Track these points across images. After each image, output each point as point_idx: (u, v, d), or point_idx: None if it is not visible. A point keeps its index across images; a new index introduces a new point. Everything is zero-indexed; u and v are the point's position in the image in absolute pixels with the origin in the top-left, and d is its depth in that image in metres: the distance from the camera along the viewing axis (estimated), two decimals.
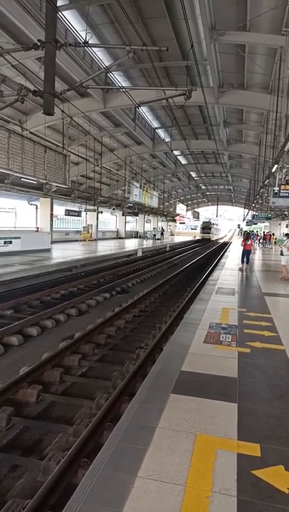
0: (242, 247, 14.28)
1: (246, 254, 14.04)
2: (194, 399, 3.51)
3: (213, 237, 60.87)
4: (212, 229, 57.77)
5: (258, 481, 2.42)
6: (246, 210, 46.85)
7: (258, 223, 41.93)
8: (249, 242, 14.20)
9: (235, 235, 78.85)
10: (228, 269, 14.48)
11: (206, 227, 57.18)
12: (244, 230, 47.42)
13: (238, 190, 50.75)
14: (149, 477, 2.43)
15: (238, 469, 2.53)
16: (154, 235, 43.27)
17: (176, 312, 8.74)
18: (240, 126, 21.85)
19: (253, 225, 42.76)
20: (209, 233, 56.45)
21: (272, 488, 2.35)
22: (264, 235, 35.66)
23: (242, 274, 13.13)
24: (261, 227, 48.76)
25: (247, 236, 15.30)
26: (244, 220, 47.05)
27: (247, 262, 14.10)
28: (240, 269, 13.86)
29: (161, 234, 44.21)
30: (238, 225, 72.67)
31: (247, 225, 43.35)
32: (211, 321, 6.35)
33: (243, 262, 14.02)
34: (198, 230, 60.18)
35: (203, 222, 60.25)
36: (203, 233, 56.58)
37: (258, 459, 2.65)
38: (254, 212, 35.80)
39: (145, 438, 2.87)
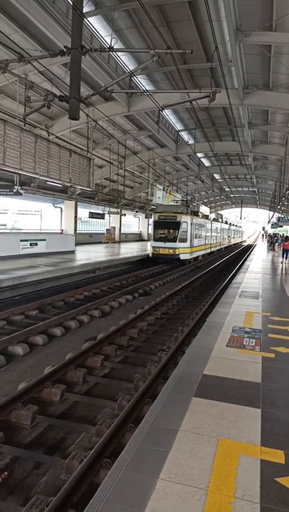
0: (282, 247, 20.37)
1: (286, 251, 19.07)
2: (217, 403, 3.48)
3: (196, 254, 24.33)
4: (184, 227, 21.30)
5: (282, 489, 2.37)
6: (271, 213, 45.89)
7: (284, 226, 40.79)
8: (287, 243, 19.06)
9: (259, 237, 77.19)
10: (253, 272, 14.25)
11: (168, 221, 21.55)
12: (268, 232, 46.83)
13: (262, 192, 49.73)
14: (170, 479, 2.42)
15: (262, 476, 2.49)
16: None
17: (199, 315, 8.68)
18: (265, 127, 21.46)
19: (279, 228, 41.77)
20: (174, 241, 20.90)
21: None
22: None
23: (281, 267, 17.22)
24: (287, 230, 47.03)
25: (286, 238, 20.60)
26: (269, 222, 46.02)
27: (286, 258, 18.79)
28: (282, 262, 18.75)
29: None
30: (263, 227, 71.01)
31: (272, 228, 42.43)
32: (234, 325, 6.28)
33: (283, 256, 19.09)
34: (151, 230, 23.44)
35: (156, 211, 22.70)
36: (158, 240, 21.36)
37: (283, 466, 2.59)
38: (279, 215, 35.02)
39: (167, 440, 2.86)
